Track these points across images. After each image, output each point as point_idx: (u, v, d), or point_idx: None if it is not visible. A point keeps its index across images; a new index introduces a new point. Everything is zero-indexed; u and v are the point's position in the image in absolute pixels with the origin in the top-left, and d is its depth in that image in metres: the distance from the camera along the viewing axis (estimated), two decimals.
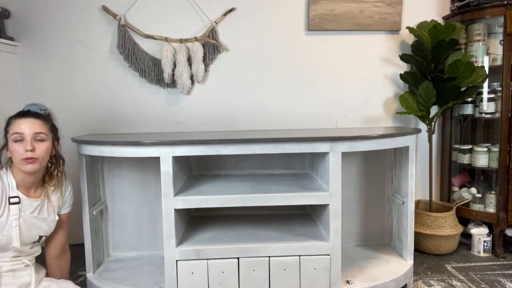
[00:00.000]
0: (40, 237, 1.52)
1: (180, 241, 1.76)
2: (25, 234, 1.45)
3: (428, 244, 2.36)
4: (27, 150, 1.39)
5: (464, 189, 2.51)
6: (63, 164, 1.60)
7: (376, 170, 2.22)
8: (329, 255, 1.69)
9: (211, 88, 2.56)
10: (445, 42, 2.22)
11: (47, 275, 1.62)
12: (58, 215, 1.60)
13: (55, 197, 1.58)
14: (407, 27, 2.42)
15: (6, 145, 1.45)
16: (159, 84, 2.53)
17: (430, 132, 2.43)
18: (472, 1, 2.36)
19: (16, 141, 1.40)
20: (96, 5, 2.48)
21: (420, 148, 2.63)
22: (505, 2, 2.22)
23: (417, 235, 2.33)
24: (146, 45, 2.51)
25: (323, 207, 1.81)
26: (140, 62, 2.49)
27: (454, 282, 2.02)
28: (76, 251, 2.33)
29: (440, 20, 2.57)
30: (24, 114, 1.46)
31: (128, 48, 2.47)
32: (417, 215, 2.36)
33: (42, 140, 1.45)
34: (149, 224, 2.15)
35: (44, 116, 1.50)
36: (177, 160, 1.72)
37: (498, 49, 2.35)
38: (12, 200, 1.42)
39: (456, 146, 2.55)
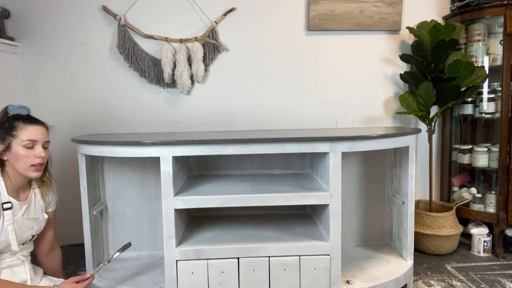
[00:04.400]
0: (33, 236, 1.55)
1: (180, 241, 1.76)
2: (19, 237, 1.47)
3: (428, 244, 2.36)
4: (39, 157, 1.42)
5: (464, 189, 2.51)
6: (51, 165, 1.62)
7: (376, 170, 2.22)
8: (329, 255, 1.69)
9: (211, 88, 2.56)
10: (445, 42, 2.22)
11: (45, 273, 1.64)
12: (46, 213, 1.61)
13: (42, 198, 1.60)
14: (407, 27, 2.42)
15: (9, 148, 1.40)
16: (159, 84, 2.53)
17: (430, 132, 2.43)
18: (472, 1, 2.36)
19: (26, 147, 1.40)
20: (96, 5, 2.48)
21: (420, 148, 2.63)
22: (505, 2, 2.22)
23: (417, 235, 2.33)
24: (146, 45, 2.51)
25: (323, 207, 1.81)
26: (140, 62, 2.49)
27: (454, 282, 2.02)
28: (76, 251, 2.33)
29: (440, 20, 2.58)
30: (33, 120, 1.45)
31: (128, 48, 2.47)
32: (417, 215, 2.36)
33: (47, 148, 1.49)
34: (149, 224, 2.15)
35: (46, 124, 1.52)
36: (177, 160, 1.72)
37: (498, 49, 2.35)
38: (5, 206, 1.43)
39: (456, 146, 2.55)
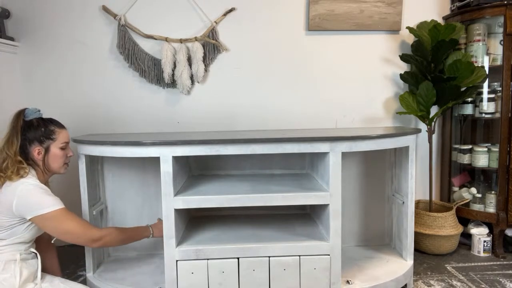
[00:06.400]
0: None
1: (180, 241, 1.76)
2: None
3: (428, 244, 2.36)
4: (70, 156, 1.65)
5: (464, 189, 2.51)
6: None
7: (376, 170, 2.22)
8: (329, 255, 1.69)
9: (211, 88, 2.56)
10: (445, 42, 2.22)
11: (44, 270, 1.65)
12: None
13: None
14: (407, 27, 2.42)
15: (47, 150, 1.55)
16: (159, 84, 2.53)
17: (430, 132, 2.43)
18: (472, 1, 2.36)
19: (62, 148, 1.60)
20: (96, 5, 2.48)
21: (420, 148, 2.63)
22: (505, 2, 2.22)
23: (417, 235, 2.33)
24: (146, 45, 2.51)
25: (323, 207, 1.81)
26: (140, 62, 2.49)
27: (454, 282, 2.02)
28: (76, 251, 2.33)
29: (440, 20, 2.57)
30: (61, 124, 1.64)
31: (128, 48, 2.47)
32: (417, 215, 2.36)
33: None
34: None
35: None
36: (177, 160, 1.72)
37: (498, 49, 2.35)
38: None
39: (456, 146, 2.55)
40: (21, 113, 1.56)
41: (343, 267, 1.88)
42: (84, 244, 1.59)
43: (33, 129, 1.53)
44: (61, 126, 1.62)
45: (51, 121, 1.61)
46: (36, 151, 1.53)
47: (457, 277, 2.08)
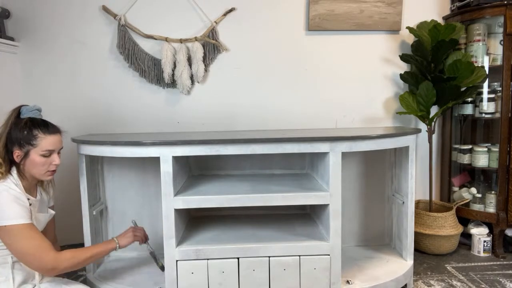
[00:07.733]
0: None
1: (180, 241, 1.76)
2: None
3: (428, 244, 2.36)
4: (55, 164, 1.48)
5: (464, 189, 2.51)
6: None
7: (376, 170, 2.22)
8: (329, 255, 1.69)
9: (211, 88, 2.56)
10: (445, 42, 2.22)
11: None
12: (49, 207, 1.67)
13: (45, 193, 1.65)
14: (407, 27, 2.42)
15: (27, 155, 1.42)
16: (159, 84, 2.53)
17: (430, 132, 2.43)
18: (472, 1, 2.36)
19: (45, 156, 1.45)
20: (96, 5, 2.48)
21: (420, 148, 2.63)
22: (505, 2, 2.22)
23: (417, 235, 2.33)
24: (146, 45, 2.51)
25: (323, 207, 1.81)
26: (140, 62, 2.49)
27: (454, 282, 2.02)
28: None
29: (440, 20, 2.58)
30: (51, 129, 1.48)
31: (128, 48, 2.47)
32: (417, 215, 2.36)
33: (59, 152, 1.53)
34: (149, 224, 2.14)
35: (61, 130, 1.55)
36: (177, 160, 1.72)
37: (498, 49, 2.35)
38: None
39: (456, 146, 2.55)
40: (16, 110, 1.47)
41: (343, 267, 1.88)
42: (38, 271, 1.41)
43: (17, 130, 1.42)
44: (50, 131, 1.46)
45: (39, 125, 1.45)
46: (16, 153, 1.42)
47: (457, 277, 2.08)
